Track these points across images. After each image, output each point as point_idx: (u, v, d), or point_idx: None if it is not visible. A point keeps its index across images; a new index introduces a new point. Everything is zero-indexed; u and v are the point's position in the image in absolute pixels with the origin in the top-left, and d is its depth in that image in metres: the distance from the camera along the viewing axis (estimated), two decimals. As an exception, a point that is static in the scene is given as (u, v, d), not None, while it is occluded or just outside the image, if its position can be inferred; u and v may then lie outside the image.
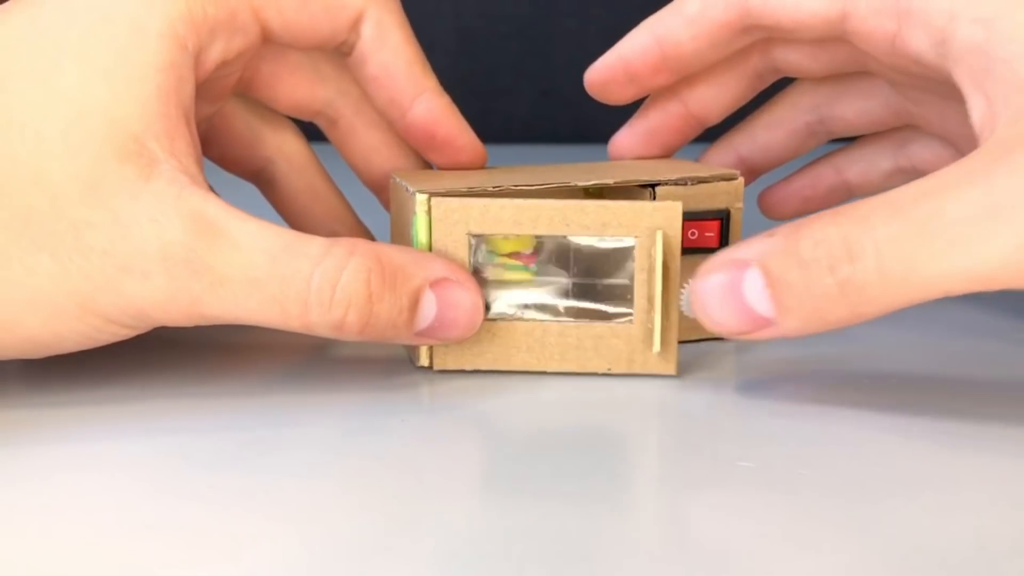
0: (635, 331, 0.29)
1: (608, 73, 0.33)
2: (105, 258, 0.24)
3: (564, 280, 0.31)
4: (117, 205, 0.24)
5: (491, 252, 0.30)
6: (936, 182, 0.22)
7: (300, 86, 0.32)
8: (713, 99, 0.34)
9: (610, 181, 0.30)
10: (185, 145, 0.26)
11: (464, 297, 0.27)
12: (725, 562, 0.19)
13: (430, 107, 0.31)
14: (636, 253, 0.28)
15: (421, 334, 0.27)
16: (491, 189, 0.28)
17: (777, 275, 0.24)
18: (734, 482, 0.23)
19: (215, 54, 0.27)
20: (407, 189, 0.29)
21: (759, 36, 0.31)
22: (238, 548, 0.20)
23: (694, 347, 0.32)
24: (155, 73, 0.25)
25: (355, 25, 0.29)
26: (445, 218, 0.28)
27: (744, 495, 0.22)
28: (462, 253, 0.28)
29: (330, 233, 0.34)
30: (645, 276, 0.28)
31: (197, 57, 0.27)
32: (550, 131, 0.81)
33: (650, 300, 0.28)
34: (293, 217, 0.34)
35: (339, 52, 0.31)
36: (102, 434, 0.25)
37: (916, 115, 0.32)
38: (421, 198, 0.28)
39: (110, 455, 0.24)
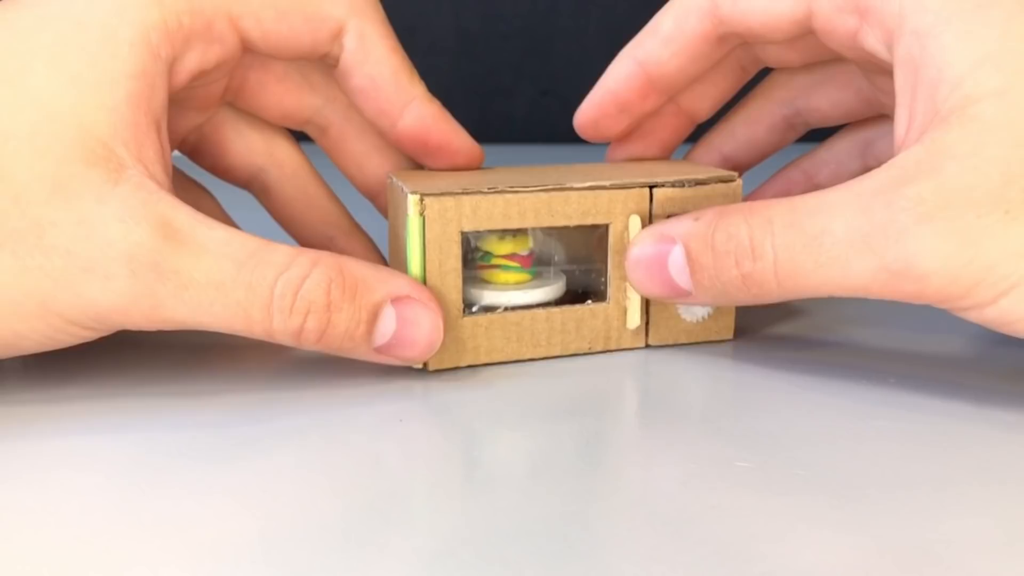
0: (611, 310, 0.31)
1: (598, 109, 0.33)
2: (67, 258, 0.24)
3: (560, 282, 0.31)
4: (82, 207, 0.24)
5: (488, 253, 0.31)
6: (831, 198, 0.25)
7: (288, 95, 0.32)
8: (703, 95, 0.34)
9: (607, 183, 0.30)
10: (153, 152, 0.26)
11: (425, 316, 0.27)
12: (724, 563, 0.19)
13: (420, 115, 0.31)
14: (610, 237, 0.30)
15: (380, 350, 0.27)
16: (485, 191, 0.28)
17: (695, 256, 0.27)
18: (732, 482, 0.23)
19: (190, 63, 0.27)
20: (402, 190, 0.29)
21: (735, 43, 0.32)
22: (235, 546, 0.20)
23: (693, 348, 0.32)
24: (125, 80, 0.25)
25: (336, 37, 0.29)
26: (438, 217, 0.28)
27: (742, 495, 0.22)
28: (455, 251, 0.28)
29: (326, 238, 0.34)
30: (619, 258, 0.30)
31: (171, 66, 0.27)
32: (550, 131, 0.81)
33: (624, 279, 0.30)
34: (288, 223, 0.34)
35: (325, 64, 0.31)
36: (101, 429, 0.25)
37: (886, 105, 0.33)
38: (413, 199, 0.28)
39: (107, 452, 0.24)
